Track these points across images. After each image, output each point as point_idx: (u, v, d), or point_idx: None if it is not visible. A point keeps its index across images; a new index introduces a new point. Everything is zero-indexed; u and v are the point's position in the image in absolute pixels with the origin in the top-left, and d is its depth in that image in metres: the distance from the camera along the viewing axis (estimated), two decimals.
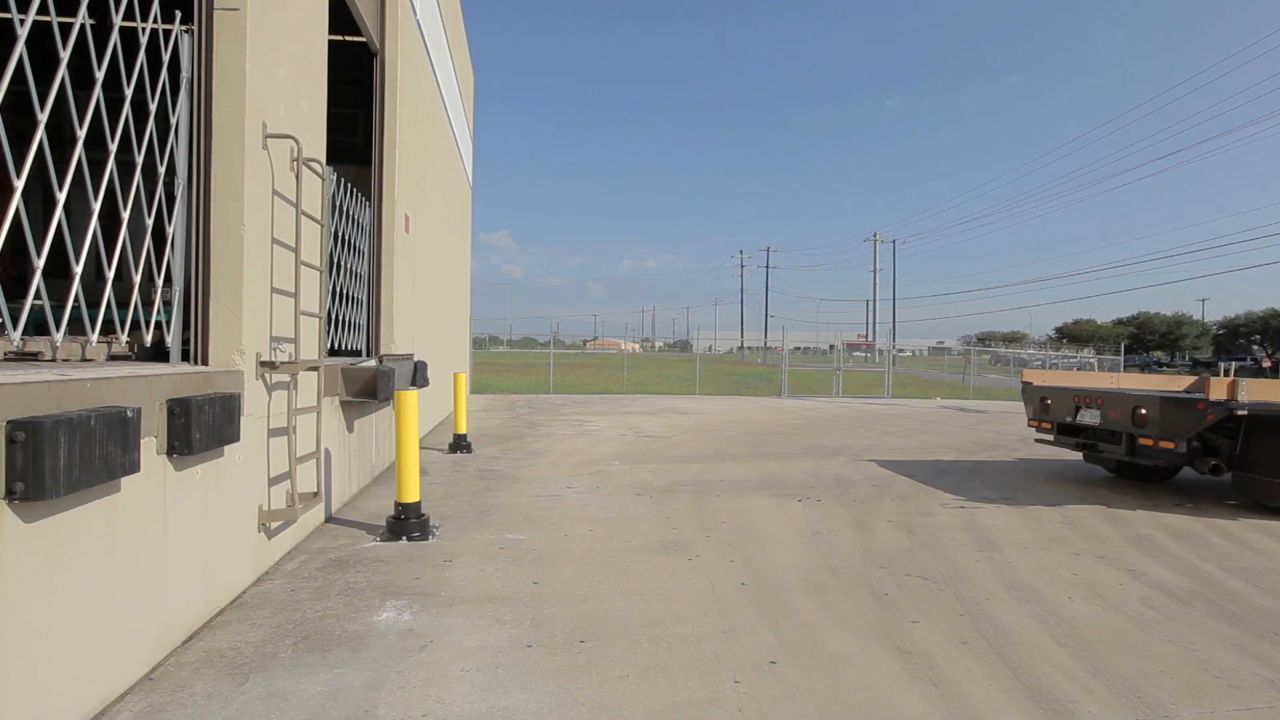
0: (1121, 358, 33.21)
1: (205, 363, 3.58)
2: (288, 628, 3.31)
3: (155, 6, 3.29)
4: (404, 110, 7.73)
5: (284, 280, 4.22)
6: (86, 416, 2.26)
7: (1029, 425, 8.12)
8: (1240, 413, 5.83)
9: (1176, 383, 7.86)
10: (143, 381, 2.78)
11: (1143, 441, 6.42)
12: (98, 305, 2.97)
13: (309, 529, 4.89)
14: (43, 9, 2.65)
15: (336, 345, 5.93)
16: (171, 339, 3.51)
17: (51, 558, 2.27)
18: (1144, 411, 6.30)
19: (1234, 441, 6.29)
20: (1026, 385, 8.05)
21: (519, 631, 3.35)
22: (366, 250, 7.00)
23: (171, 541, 2.99)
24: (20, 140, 2.48)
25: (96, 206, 2.95)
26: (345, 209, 6.09)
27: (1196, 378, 7.15)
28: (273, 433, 4.07)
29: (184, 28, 3.49)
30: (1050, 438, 7.75)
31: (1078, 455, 8.09)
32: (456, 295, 14.36)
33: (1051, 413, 7.61)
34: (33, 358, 3.19)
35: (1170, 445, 6.14)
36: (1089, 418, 7.00)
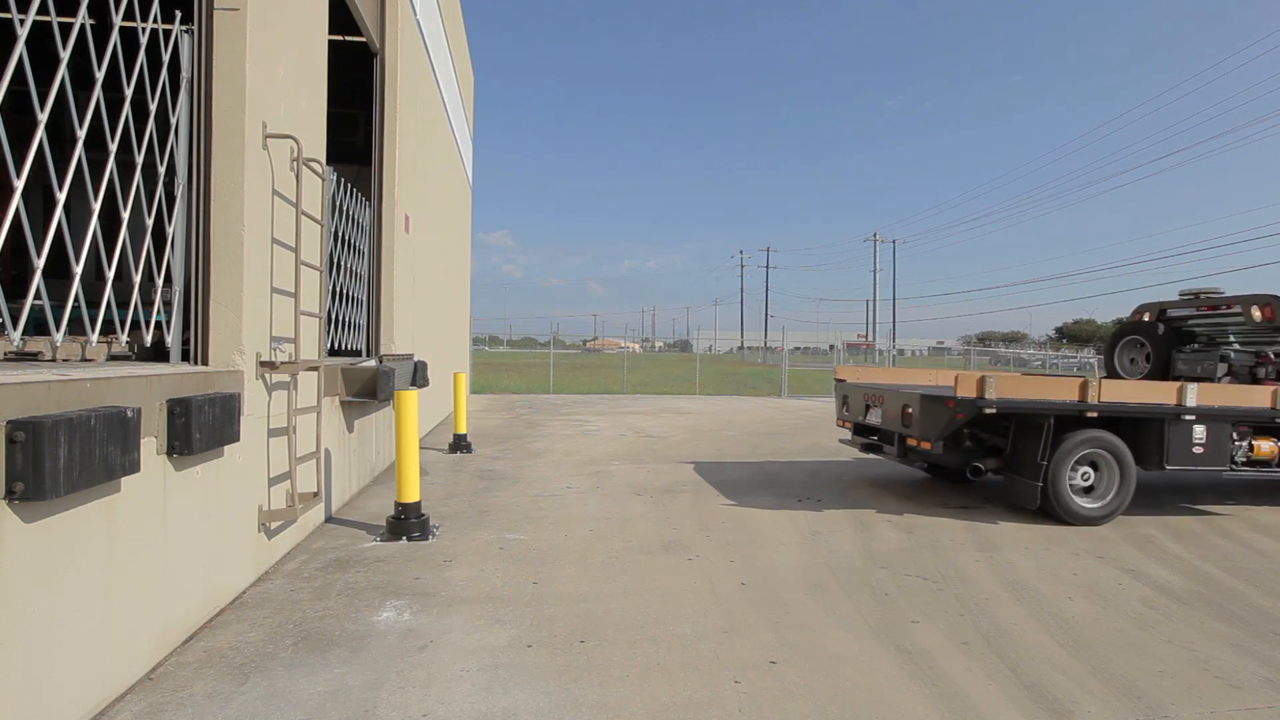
0: None
1: (205, 363, 3.58)
2: (288, 628, 3.31)
3: (155, 6, 3.29)
4: (404, 110, 7.73)
5: (284, 280, 4.22)
6: (86, 416, 2.26)
7: (836, 425, 7.77)
8: (989, 411, 5.48)
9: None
10: (143, 381, 2.78)
11: (909, 441, 6.12)
12: (98, 305, 2.97)
13: (309, 529, 4.89)
14: (43, 9, 2.65)
15: (336, 345, 5.93)
16: (171, 339, 3.51)
17: (51, 558, 2.27)
18: (909, 410, 5.99)
19: (1006, 441, 6.01)
20: (838, 382, 7.67)
21: (519, 631, 3.35)
22: (366, 250, 7.00)
23: (171, 541, 2.99)
24: (20, 140, 2.48)
25: (96, 206, 2.95)
26: (345, 209, 6.09)
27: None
28: (273, 433, 4.07)
29: (184, 28, 3.49)
30: (849, 437, 7.46)
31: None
32: (456, 295, 14.36)
33: (850, 411, 7.27)
34: (33, 358, 3.19)
35: (927, 446, 5.80)
36: (874, 417, 6.69)
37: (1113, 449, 5.73)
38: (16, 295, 2.86)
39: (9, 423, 2.07)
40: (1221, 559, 4.91)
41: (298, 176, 4.32)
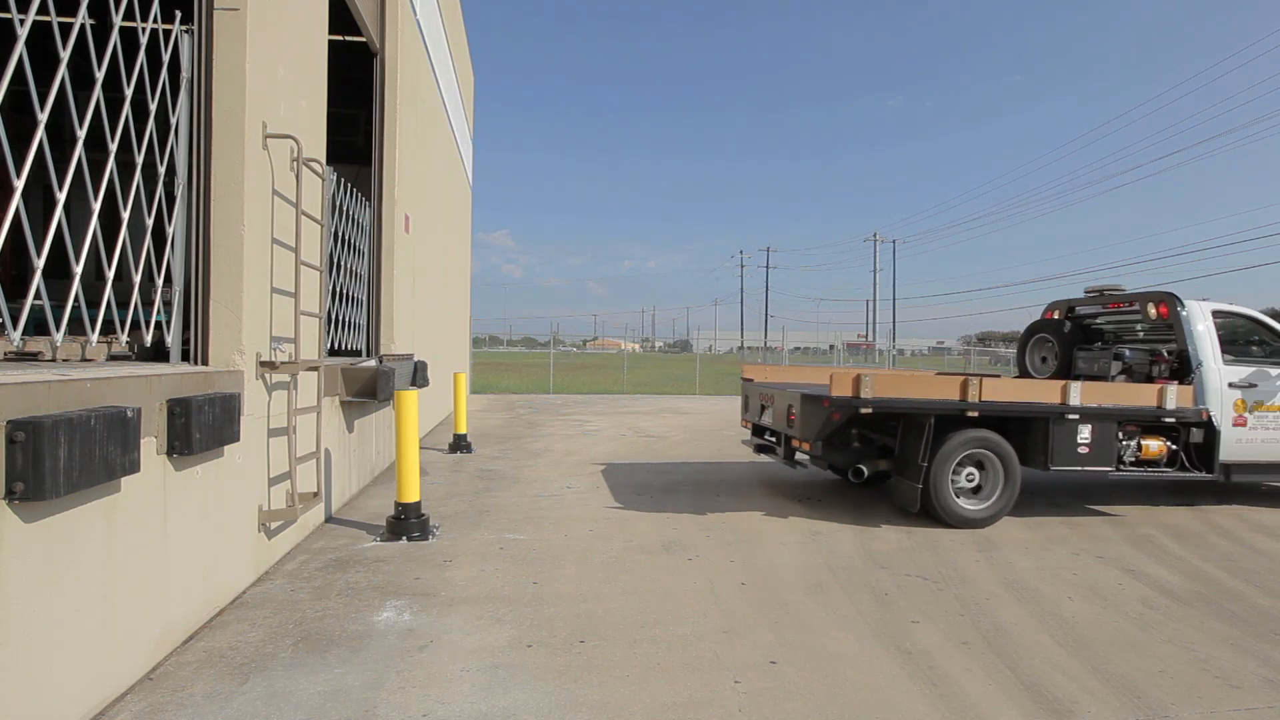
0: None
1: (205, 363, 3.58)
2: (288, 628, 3.31)
3: (155, 6, 3.29)
4: (404, 110, 7.73)
5: (284, 280, 4.22)
6: (86, 416, 2.26)
7: (741, 425, 7.53)
8: (864, 411, 5.30)
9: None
10: (143, 381, 2.78)
11: (794, 443, 5.92)
12: (98, 305, 2.97)
13: (309, 529, 4.89)
14: (43, 9, 2.65)
15: (336, 345, 5.92)
16: (171, 339, 3.51)
17: (51, 558, 2.27)
18: (792, 410, 5.80)
19: (895, 441, 5.79)
20: (744, 382, 7.41)
21: (519, 631, 3.35)
22: (366, 250, 7.00)
23: (171, 541, 2.99)
24: (20, 140, 2.48)
25: (96, 206, 2.95)
26: (345, 209, 6.09)
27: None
28: (273, 433, 4.07)
29: (184, 28, 3.49)
30: (748, 437, 7.28)
31: None
32: (456, 295, 14.36)
33: (749, 411, 7.08)
34: (33, 358, 3.19)
35: (806, 447, 5.63)
36: (767, 417, 6.48)
37: (997, 449, 5.57)
38: (16, 295, 2.85)
39: (9, 423, 2.07)
40: (1221, 559, 4.91)
41: (298, 176, 4.32)
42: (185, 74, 3.53)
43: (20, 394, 2.15)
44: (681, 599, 3.85)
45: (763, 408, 6.60)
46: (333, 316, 5.69)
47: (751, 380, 7.32)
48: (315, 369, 4.60)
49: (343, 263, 6.02)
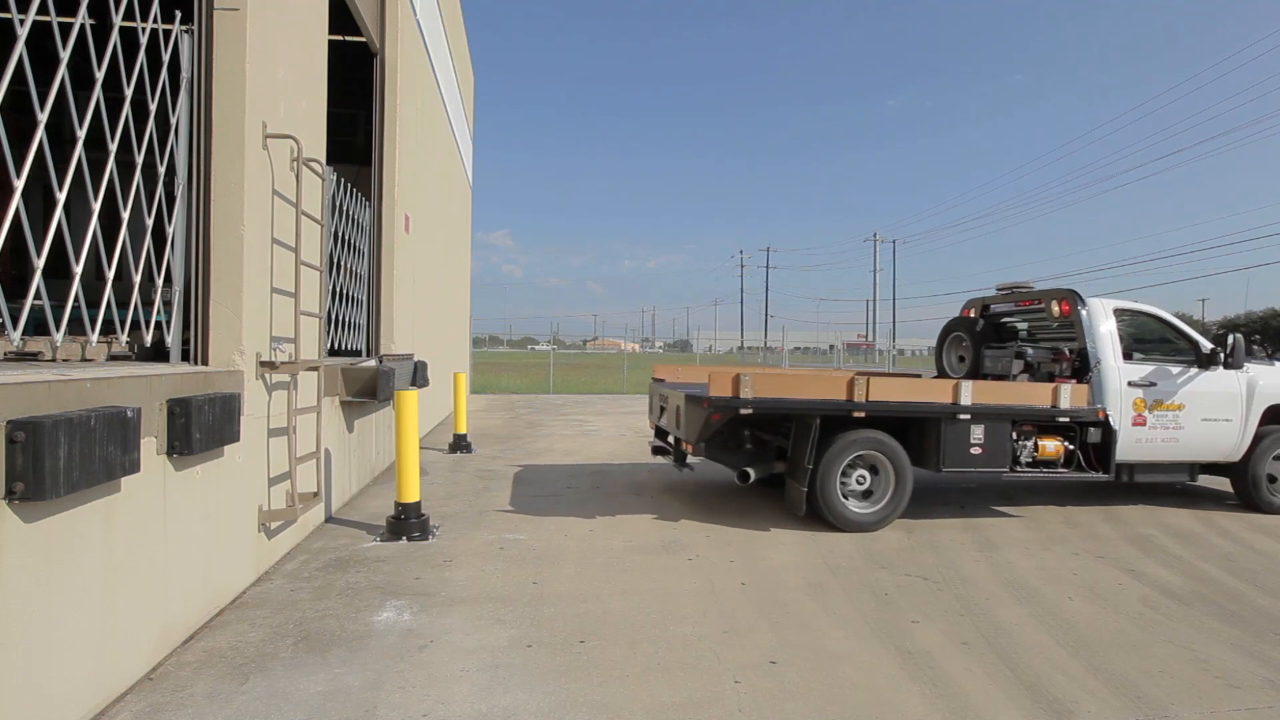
0: None
1: (205, 363, 3.58)
2: (288, 628, 3.31)
3: (155, 6, 3.29)
4: (404, 110, 7.74)
5: (284, 280, 4.22)
6: (86, 416, 2.26)
7: (649, 426, 7.33)
8: (745, 411, 5.13)
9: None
10: (143, 381, 2.78)
11: (683, 445, 5.71)
12: (98, 305, 2.97)
13: (309, 529, 4.89)
14: (43, 9, 2.65)
15: (336, 345, 5.92)
16: (171, 339, 3.50)
17: (51, 558, 2.27)
18: (679, 411, 5.63)
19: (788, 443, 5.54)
20: (654, 381, 7.13)
21: (519, 631, 3.35)
22: (366, 250, 7.00)
23: (171, 541, 2.99)
24: (20, 140, 2.48)
25: (96, 206, 2.95)
26: (345, 209, 6.09)
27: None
28: (273, 433, 4.07)
29: (184, 28, 3.49)
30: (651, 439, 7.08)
31: None
32: (456, 295, 14.36)
33: (653, 412, 6.85)
34: (33, 358, 3.19)
35: (690, 448, 5.46)
36: (665, 419, 6.28)
37: (887, 450, 5.38)
38: (16, 295, 2.85)
39: (9, 423, 2.07)
40: (1221, 559, 4.91)
41: (298, 176, 4.32)
42: (185, 74, 3.53)
43: (20, 394, 2.15)
44: (681, 599, 3.85)
45: (662, 409, 6.44)
46: (333, 316, 5.69)
47: (661, 380, 7.11)
48: (315, 369, 4.60)
49: (343, 263, 6.02)
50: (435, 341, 10.73)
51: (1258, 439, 6.22)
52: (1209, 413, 6.07)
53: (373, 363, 6.33)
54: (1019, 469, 5.74)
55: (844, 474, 5.37)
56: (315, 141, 4.82)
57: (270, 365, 3.95)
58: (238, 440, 3.46)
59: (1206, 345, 6.22)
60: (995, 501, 6.54)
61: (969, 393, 5.42)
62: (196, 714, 2.54)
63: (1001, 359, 6.88)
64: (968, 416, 5.44)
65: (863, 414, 5.30)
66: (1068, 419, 5.73)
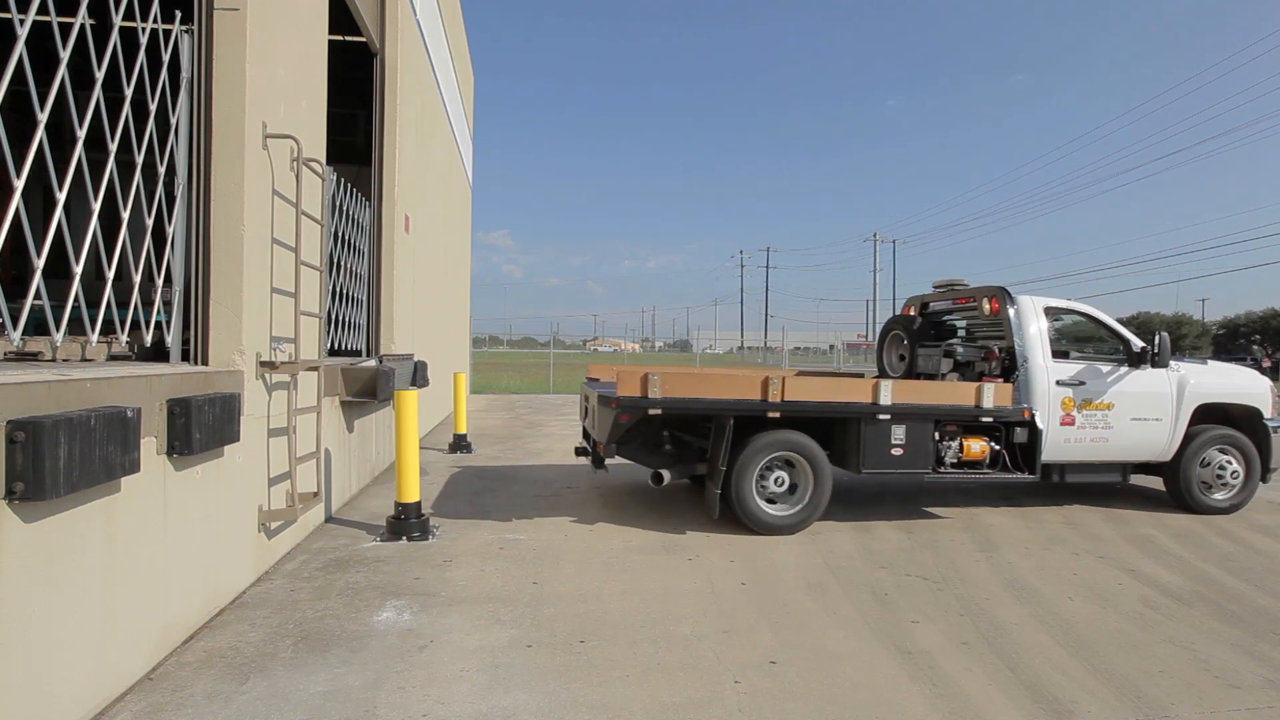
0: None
1: (205, 363, 3.58)
2: (288, 628, 3.31)
3: (155, 6, 3.29)
4: (404, 110, 7.73)
5: (284, 280, 4.22)
6: (86, 416, 2.26)
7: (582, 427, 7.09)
8: (654, 412, 4.98)
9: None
10: (143, 381, 2.78)
11: (599, 446, 5.52)
12: (98, 305, 2.97)
13: (309, 529, 4.89)
14: (43, 9, 2.65)
15: (336, 345, 5.92)
16: (171, 339, 3.50)
17: (51, 558, 2.27)
18: (594, 412, 5.51)
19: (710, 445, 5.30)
20: (587, 381, 6.92)
21: (519, 631, 3.35)
22: (366, 250, 7.00)
23: (171, 541, 2.99)
24: (20, 140, 2.48)
25: (96, 206, 2.95)
26: (345, 209, 6.09)
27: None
28: (273, 433, 4.07)
29: (184, 28, 3.49)
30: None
31: None
32: (456, 295, 14.36)
33: (581, 413, 6.73)
34: (33, 358, 3.19)
35: (602, 449, 5.32)
36: (588, 420, 6.15)
37: (805, 452, 5.23)
38: (16, 295, 2.85)
39: (9, 423, 2.07)
40: (1221, 559, 4.91)
41: (298, 176, 4.32)
42: (185, 74, 3.53)
43: (20, 394, 2.15)
44: (682, 599, 3.85)
45: (586, 410, 6.31)
46: (333, 316, 5.69)
47: (594, 380, 6.90)
48: (315, 369, 4.60)
49: (343, 263, 6.02)
50: (435, 341, 10.73)
51: (1189, 439, 6.11)
52: (1139, 412, 5.99)
53: (373, 363, 6.33)
54: (943, 470, 5.59)
55: (762, 476, 5.23)
56: (315, 141, 4.82)
57: (270, 365, 3.95)
58: (238, 440, 3.46)
59: (1138, 344, 6.12)
60: (996, 500, 6.54)
61: (888, 392, 5.29)
62: (196, 714, 2.54)
63: (931, 357, 6.76)
64: (887, 417, 5.32)
65: (778, 414, 5.18)
66: (992, 419, 5.60)
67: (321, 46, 5.00)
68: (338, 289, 5.87)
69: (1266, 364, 33.89)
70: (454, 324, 14.04)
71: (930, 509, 6.18)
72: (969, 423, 5.66)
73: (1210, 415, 6.26)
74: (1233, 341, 62.97)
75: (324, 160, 4.97)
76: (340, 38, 7.41)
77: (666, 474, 5.25)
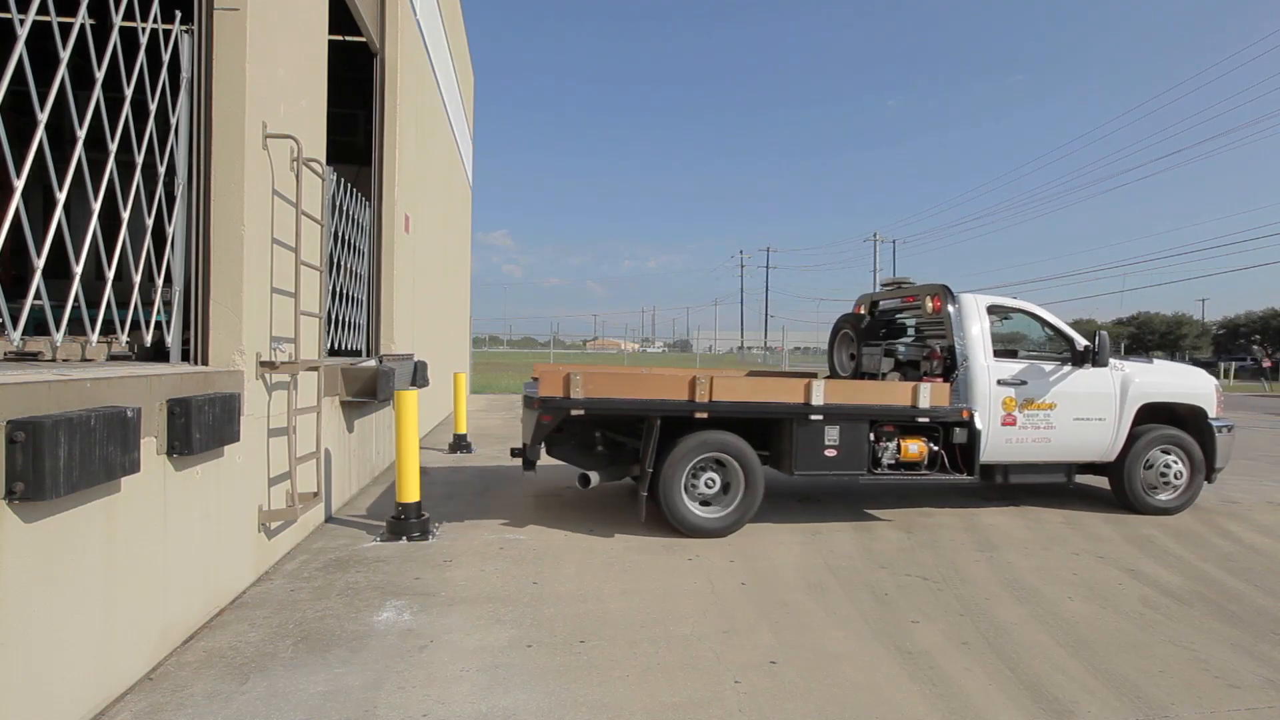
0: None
1: (205, 363, 3.58)
2: (288, 628, 3.31)
3: (155, 6, 3.29)
4: (404, 110, 7.73)
5: (284, 280, 4.22)
6: (86, 416, 2.25)
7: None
8: (577, 412, 4.89)
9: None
10: (143, 381, 2.78)
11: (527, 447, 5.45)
12: (98, 305, 2.97)
13: (309, 529, 4.89)
14: (43, 9, 2.65)
15: (336, 345, 5.92)
16: (171, 339, 3.50)
17: (51, 558, 2.27)
18: (522, 412, 5.37)
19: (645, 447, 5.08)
20: (531, 381, 6.83)
21: (519, 631, 3.35)
22: (366, 250, 7.00)
23: (171, 541, 2.99)
24: (20, 140, 2.48)
25: (96, 206, 2.94)
26: (345, 209, 6.09)
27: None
28: (273, 433, 4.07)
29: (184, 28, 3.49)
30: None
31: None
32: (456, 295, 14.36)
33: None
34: (33, 358, 3.19)
35: (526, 450, 5.24)
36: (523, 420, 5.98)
37: (735, 453, 5.12)
38: (16, 295, 2.85)
39: (9, 423, 2.07)
40: (1221, 559, 4.91)
41: (298, 176, 4.32)
42: (185, 74, 3.53)
43: (20, 394, 2.15)
44: (681, 599, 3.85)
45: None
46: (333, 316, 5.69)
47: (537, 380, 6.82)
48: (315, 369, 4.60)
49: (343, 263, 6.02)
50: (435, 341, 10.73)
51: (1133, 438, 6.06)
52: (1082, 412, 5.92)
53: (373, 363, 6.33)
54: (879, 472, 5.50)
55: (693, 478, 5.13)
56: (315, 141, 4.82)
57: (270, 365, 3.95)
58: (238, 440, 3.46)
59: (1081, 343, 6.03)
60: (996, 500, 6.54)
61: (820, 392, 5.19)
62: (196, 714, 2.54)
63: (874, 356, 6.68)
64: (820, 417, 5.22)
65: (705, 415, 5.06)
66: (929, 419, 5.51)
67: (321, 46, 5.00)
68: (338, 289, 5.87)
69: (1267, 364, 33.85)
70: (454, 324, 14.04)
71: (931, 509, 6.18)
72: (906, 423, 5.58)
73: (1157, 415, 6.22)
74: (1233, 342, 62.99)
75: (324, 160, 4.97)
76: (340, 38, 7.41)
77: (595, 476, 5.13)
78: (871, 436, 5.42)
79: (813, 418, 5.22)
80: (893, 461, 5.56)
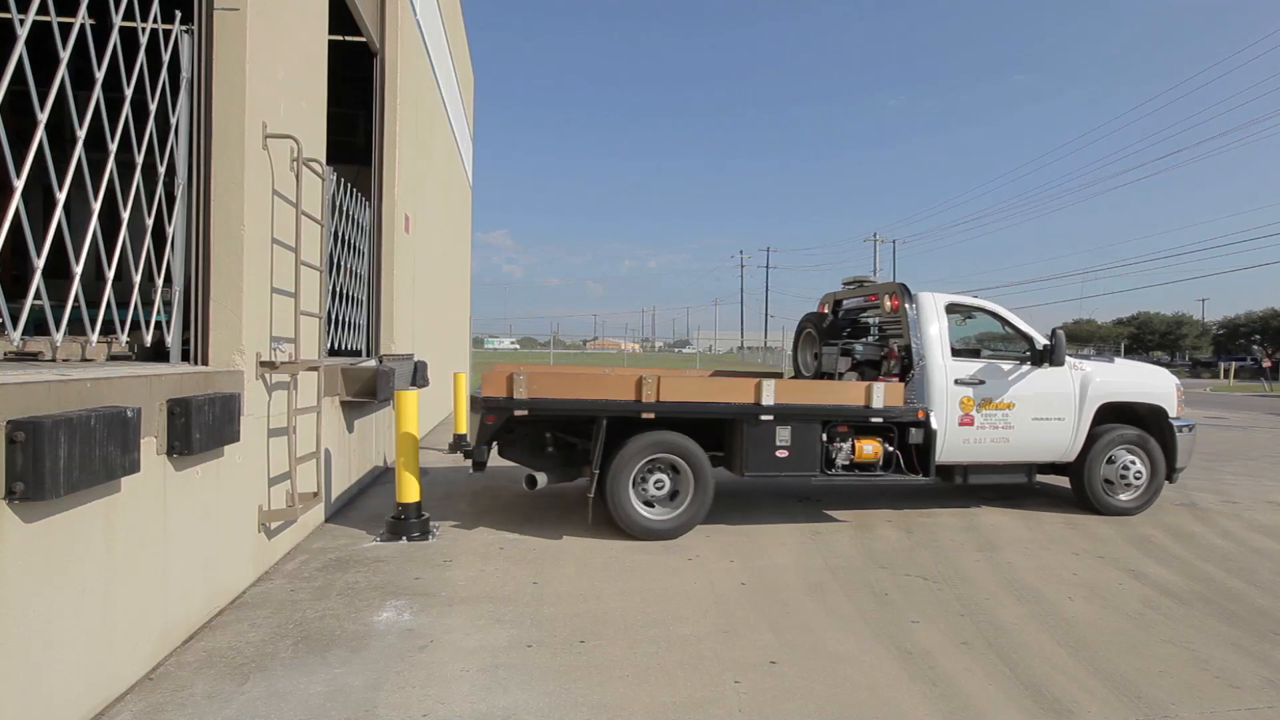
0: (1121, 358, 33.18)
1: (205, 363, 3.58)
2: (288, 628, 3.31)
3: (155, 6, 3.29)
4: (404, 110, 7.73)
5: (284, 280, 4.22)
6: (86, 416, 2.25)
7: None
8: (520, 413, 4.82)
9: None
10: (143, 381, 2.78)
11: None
12: (98, 305, 2.97)
13: (309, 529, 4.89)
14: (43, 9, 2.65)
15: (336, 345, 5.92)
16: (171, 339, 3.50)
17: (51, 558, 2.27)
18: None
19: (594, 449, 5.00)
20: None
21: (519, 631, 3.35)
22: (366, 250, 7.00)
23: (171, 541, 2.99)
24: (20, 140, 2.48)
25: (96, 206, 2.94)
26: (345, 209, 6.09)
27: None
28: (273, 433, 4.07)
29: (184, 28, 3.49)
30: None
31: None
32: (456, 295, 14.36)
33: None
34: (33, 358, 3.19)
35: (474, 451, 5.18)
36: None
37: (684, 454, 5.04)
38: (16, 295, 2.85)
39: (9, 423, 2.07)
40: (1221, 559, 4.91)
41: (298, 176, 4.32)
42: (185, 74, 3.53)
43: (20, 394, 2.15)
44: (681, 599, 3.85)
45: None
46: (333, 316, 5.69)
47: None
48: (315, 369, 4.60)
49: (343, 263, 6.02)
50: (435, 341, 10.73)
51: (1093, 438, 5.99)
52: (1041, 411, 5.86)
53: (373, 363, 6.33)
54: (833, 472, 5.44)
55: (642, 479, 5.05)
56: (315, 141, 4.82)
57: (270, 365, 3.95)
58: (238, 440, 3.46)
59: (1041, 341, 5.96)
60: (996, 500, 6.54)
61: (771, 392, 5.12)
62: (197, 714, 2.54)
63: (832, 356, 6.60)
64: (770, 418, 5.15)
65: (652, 415, 4.99)
66: (883, 419, 5.44)
67: (321, 46, 5.00)
68: (338, 289, 5.87)
69: (1267, 364, 33.84)
70: (454, 324, 14.04)
71: (931, 509, 6.18)
72: (861, 424, 5.50)
73: (1118, 415, 6.16)
74: (1233, 342, 62.99)
75: (324, 160, 4.97)
76: (340, 38, 7.41)
77: (541, 478, 5.04)
78: (824, 437, 5.36)
79: (763, 418, 5.16)
80: (847, 462, 5.49)
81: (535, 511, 5.75)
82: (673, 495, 5.12)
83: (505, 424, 5.04)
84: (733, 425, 5.27)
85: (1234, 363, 40.32)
